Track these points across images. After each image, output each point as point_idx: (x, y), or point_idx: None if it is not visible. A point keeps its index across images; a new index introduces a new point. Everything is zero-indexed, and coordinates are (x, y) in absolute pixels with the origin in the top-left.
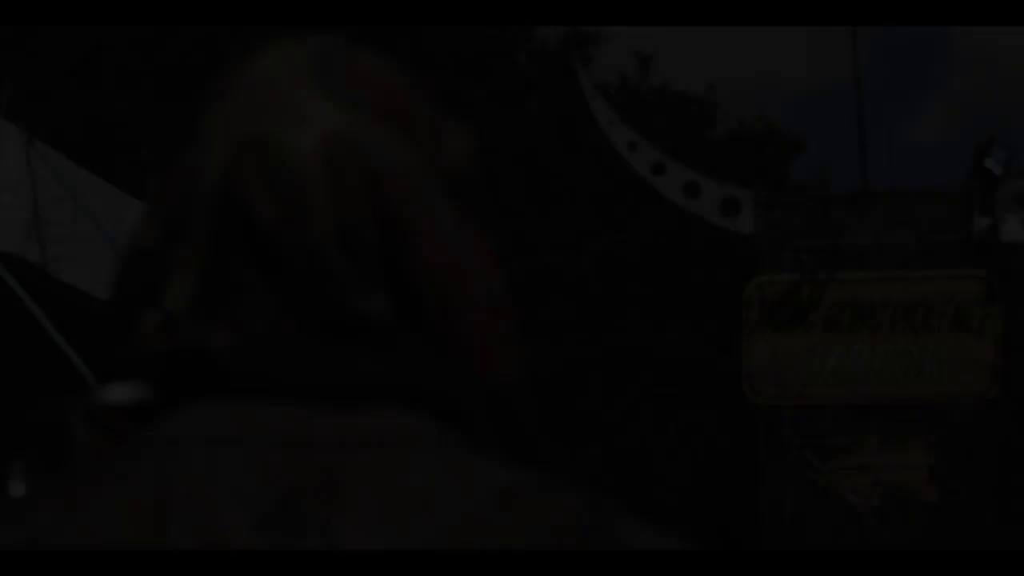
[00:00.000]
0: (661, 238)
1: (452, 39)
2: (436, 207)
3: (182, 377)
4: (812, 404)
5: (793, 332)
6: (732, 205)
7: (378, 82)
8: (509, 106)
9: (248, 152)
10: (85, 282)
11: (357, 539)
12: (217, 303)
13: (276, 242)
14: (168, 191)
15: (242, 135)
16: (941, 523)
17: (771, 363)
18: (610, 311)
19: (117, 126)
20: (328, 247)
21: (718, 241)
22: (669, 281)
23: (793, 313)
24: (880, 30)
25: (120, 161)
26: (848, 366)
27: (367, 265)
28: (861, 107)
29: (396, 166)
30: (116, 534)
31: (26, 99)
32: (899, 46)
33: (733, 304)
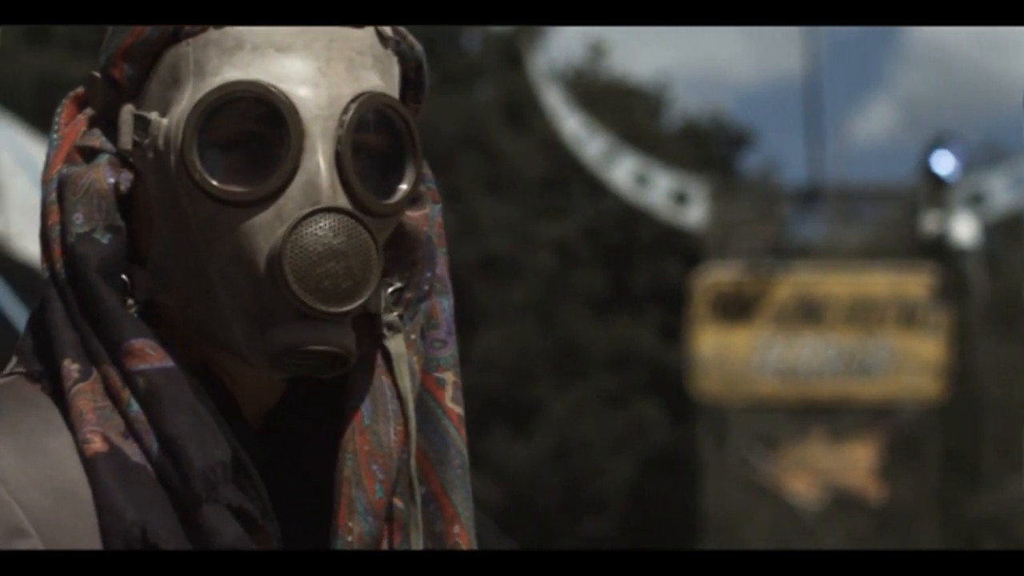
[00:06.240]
0: (609, 228)
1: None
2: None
3: None
4: (756, 399)
5: (738, 326)
6: (681, 196)
7: None
8: (459, 92)
9: None
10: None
11: None
12: None
13: None
14: None
15: None
16: (885, 523)
17: (716, 357)
18: (559, 300)
19: (67, 90)
20: None
21: (666, 232)
22: (616, 271)
23: (739, 307)
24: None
25: None
26: (793, 361)
27: None
28: (812, 102)
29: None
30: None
31: None
32: (851, 42)
33: (680, 296)
